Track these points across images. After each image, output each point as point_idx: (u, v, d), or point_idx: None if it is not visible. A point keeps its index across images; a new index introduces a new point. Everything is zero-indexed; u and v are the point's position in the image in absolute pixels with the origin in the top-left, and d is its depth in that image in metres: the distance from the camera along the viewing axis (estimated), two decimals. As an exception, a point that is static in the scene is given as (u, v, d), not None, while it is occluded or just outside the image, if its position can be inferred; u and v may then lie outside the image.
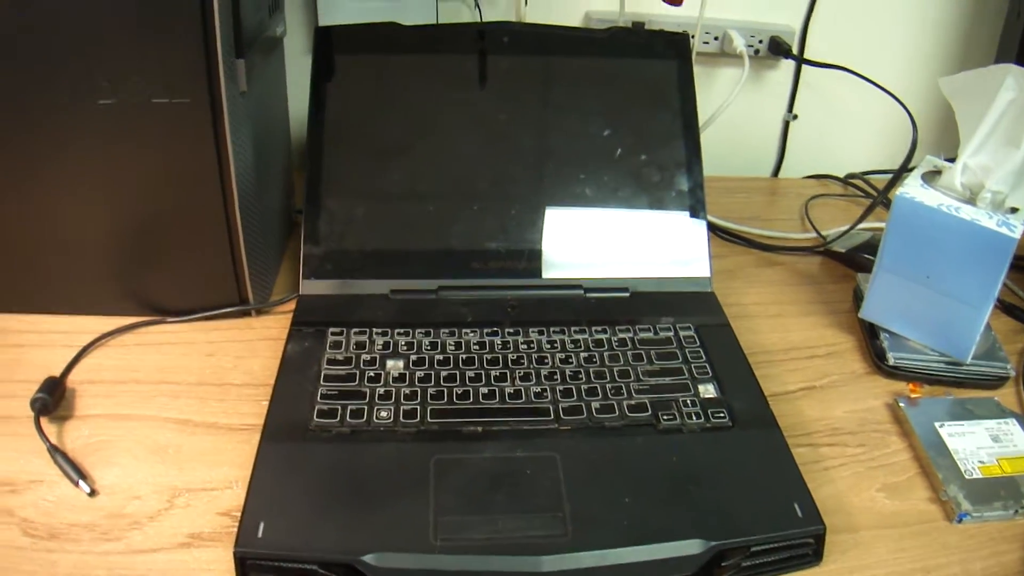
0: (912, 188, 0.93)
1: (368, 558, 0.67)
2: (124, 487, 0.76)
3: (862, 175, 1.45)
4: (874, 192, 1.40)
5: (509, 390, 0.85)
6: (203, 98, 0.83)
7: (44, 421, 0.81)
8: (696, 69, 1.07)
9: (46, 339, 0.93)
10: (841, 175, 1.47)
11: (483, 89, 1.03)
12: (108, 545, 0.71)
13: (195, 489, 0.77)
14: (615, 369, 0.89)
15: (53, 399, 0.83)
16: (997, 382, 0.96)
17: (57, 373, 0.87)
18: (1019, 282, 1.15)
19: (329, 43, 1.02)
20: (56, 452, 0.77)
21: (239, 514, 0.70)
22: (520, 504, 0.72)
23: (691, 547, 0.69)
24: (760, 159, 1.53)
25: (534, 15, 1.27)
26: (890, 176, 1.18)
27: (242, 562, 0.67)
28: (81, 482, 0.75)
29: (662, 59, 1.06)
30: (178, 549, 0.71)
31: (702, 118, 1.08)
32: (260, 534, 0.68)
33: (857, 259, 1.17)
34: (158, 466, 0.79)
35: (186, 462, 0.79)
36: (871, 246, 1.17)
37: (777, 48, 1.36)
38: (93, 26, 0.79)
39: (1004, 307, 1.10)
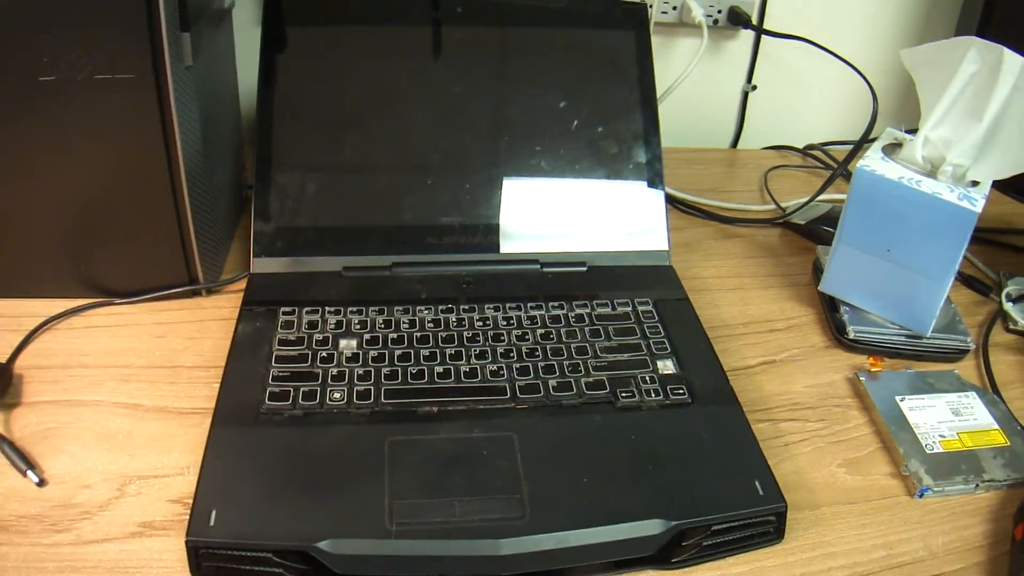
0: (873, 161, 0.92)
1: (323, 544, 0.65)
2: (73, 476, 0.74)
3: (821, 146, 1.45)
4: (834, 164, 1.40)
5: (465, 368, 0.84)
6: (147, 73, 0.81)
7: (-10, 409, 0.80)
8: (654, 39, 1.06)
9: (-9, 323, 0.91)
10: (800, 146, 1.47)
11: (437, 60, 1.01)
12: (57, 536, 0.69)
13: (146, 476, 0.75)
14: (572, 346, 0.88)
15: (-1, 386, 0.81)
16: (957, 355, 0.96)
17: (3, 359, 0.85)
18: (979, 254, 1.15)
19: (279, 13, 0.99)
20: (3, 441, 0.75)
21: (191, 501, 0.68)
22: (477, 486, 0.71)
23: (651, 527, 0.69)
24: (719, 130, 1.52)
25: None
26: (850, 147, 1.17)
27: (194, 551, 0.66)
28: (29, 472, 0.73)
29: (620, 29, 1.05)
30: (129, 539, 0.69)
31: (660, 89, 1.07)
32: (212, 522, 0.66)
33: (817, 231, 1.17)
34: (108, 453, 0.77)
35: (137, 448, 0.78)
36: (831, 218, 1.17)
37: (736, 18, 1.35)
38: (32, -1, 0.77)
39: (963, 279, 1.11)
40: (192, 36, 0.84)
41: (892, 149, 0.95)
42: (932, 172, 0.91)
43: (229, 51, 1.08)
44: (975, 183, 0.89)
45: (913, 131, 0.94)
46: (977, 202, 0.86)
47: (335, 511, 0.68)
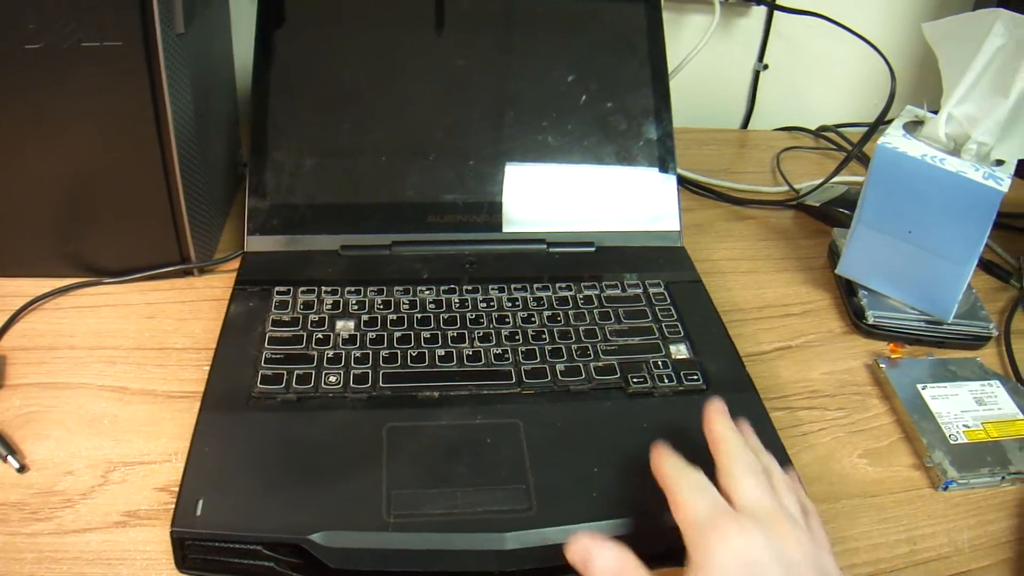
0: (894, 138, 0.89)
1: (316, 537, 0.62)
2: (56, 461, 0.72)
3: (834, 128, 1.42)
4: (847, 146, 1.37)
5: (468, 352, 0.81)
6: (136, 41, 0.78)
7: (-29, 392, 0.77)
8: (664, 15, 1.03)
9: (-25, 303, 0.88)
10: (812, 127, 1.44)
11: (440, 32, 0.98)
12: (38, 525, 0.66)
13: (131, 463, 0.72)
14: (581, 328, 0.85)
15: (-18, 368, 0.78)
16: (979, 342, 0.94)
17: (-13, 340, 0.83)
18: (998, 239, 1.13)
19: (276, -17, 0.97)
20: (-17, 425, 0.73)
21: (177, 490, 0.65)
22: (480, 476, 0.68)
23: (665, 521, 0.64)
24: (728, 111, 1.50)
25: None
26: (863, 129, 1.14)
27: (180, 542, 0.63)
28: (10, 457, 0.70)
29: (631, 1, 1.02)
30: (113, 528, 0.67)
31: (669, 67, 1.03)
32: (199, 512, 0.63)
33: (831, 214, 1.14)
34: (93, 438, 0.74)
35: (122, 433, 0.75)
36: (846, 200, 1.15)
37: (748, -7, 1.32)
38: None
39: (983, 265, 1.08)
40: (184, 2, 0.81)
41: (913, 127, 0.92)
42: (956, 150, 0.88)
43: (224, 21, 1.04)
44: (1000, 162, 0.86)
45: (936, 111, 0.91)
46: (1003, 181, 0.83)
47: (329, 501, 0.65)
